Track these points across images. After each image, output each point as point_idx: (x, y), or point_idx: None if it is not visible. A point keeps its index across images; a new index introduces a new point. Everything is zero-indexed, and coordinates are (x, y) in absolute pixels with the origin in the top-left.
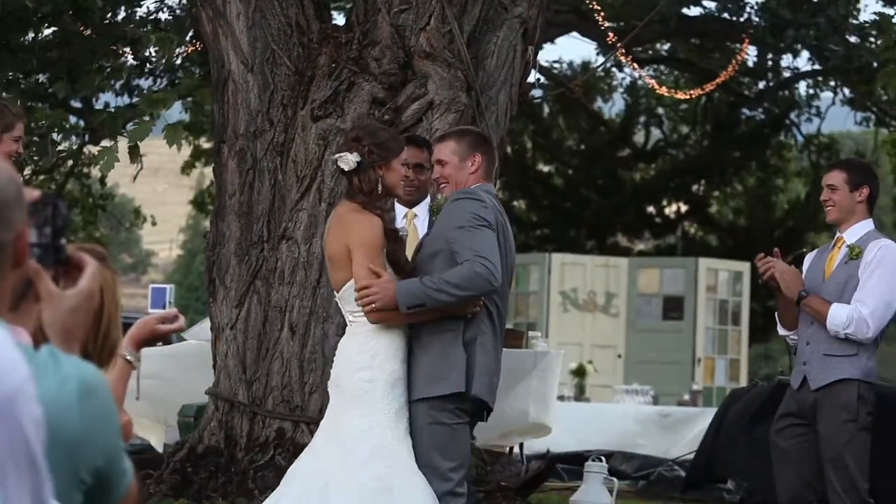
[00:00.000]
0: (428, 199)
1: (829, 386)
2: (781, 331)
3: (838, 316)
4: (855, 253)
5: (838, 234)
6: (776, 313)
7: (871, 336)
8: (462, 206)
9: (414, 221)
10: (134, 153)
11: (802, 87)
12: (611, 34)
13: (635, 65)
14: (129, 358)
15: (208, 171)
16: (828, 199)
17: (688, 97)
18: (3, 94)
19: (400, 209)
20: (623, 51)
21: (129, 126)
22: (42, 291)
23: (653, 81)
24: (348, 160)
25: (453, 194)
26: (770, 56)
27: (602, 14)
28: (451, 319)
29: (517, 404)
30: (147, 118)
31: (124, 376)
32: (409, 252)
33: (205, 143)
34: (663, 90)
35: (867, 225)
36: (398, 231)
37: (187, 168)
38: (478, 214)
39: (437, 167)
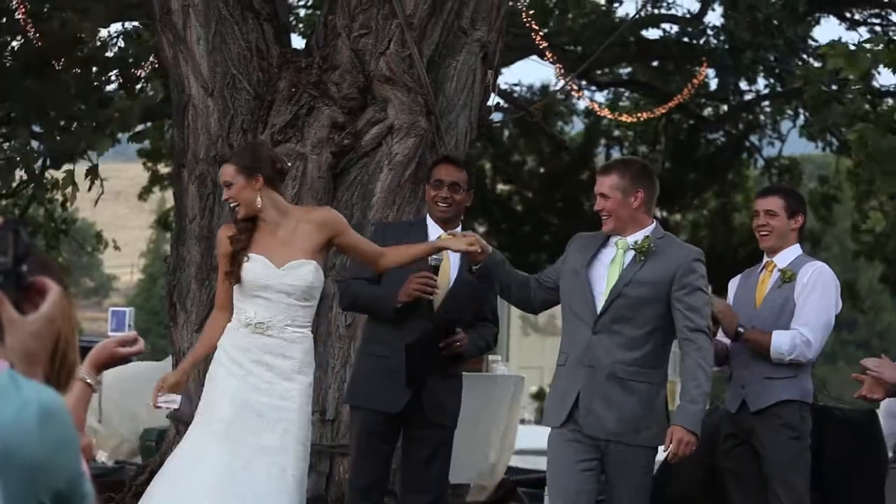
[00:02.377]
0: (459, 228)
1: (771, 408)
2: (715, 368)
3: (781, 344)
4: (787, 276)
5: (767, 259)
6: None
7: (812, 358)
8: (699, 268)
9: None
10: (92, 174)
11: (763, 109)
12: (561, 65)
13: (582, 91)
14: (88, 381)
15: (169, 194)
16: (765, 224)
17: (636, 119)
18: None
19: (434, 228)
20: (575, 78)
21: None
22: (3, 317)
23: (598, 107)
24: None
25: (687, 250)
26: (730, 79)
27: (546, 37)
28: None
29: (481, 441)
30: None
31: (84, 399)
32: (443, 281)
33: (163, 169)
34: (605, 112)
35: (797, 250)
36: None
37: (145, 194)
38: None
39: (600, 199)
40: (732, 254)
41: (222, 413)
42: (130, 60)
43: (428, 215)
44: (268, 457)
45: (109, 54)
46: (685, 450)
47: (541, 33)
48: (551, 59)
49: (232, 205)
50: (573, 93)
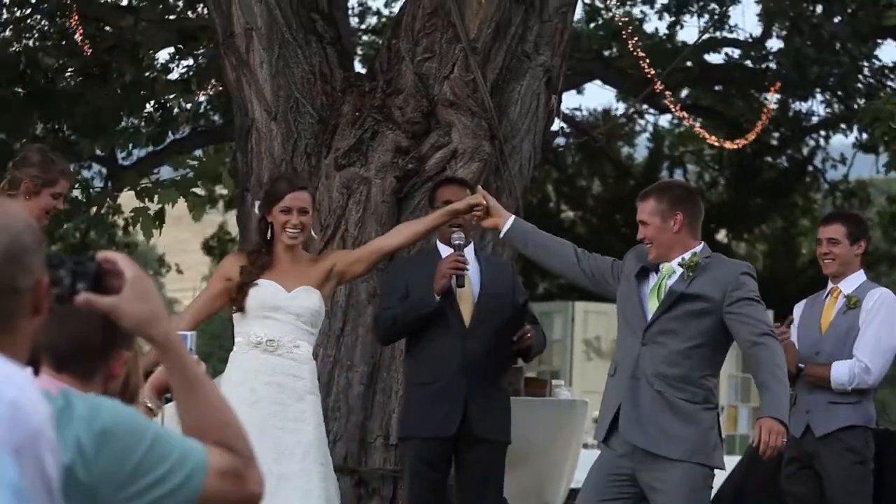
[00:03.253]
0: (472, 246)
1: (835, 432)
2: None
3: (841, 375)
4: (853, 302)
5: (832, 286)
6: None
7: (874, 383)
8: (750, 281)
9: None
10: (160, 219)
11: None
12: (656, 82)
13: (682, 113)
14: (150, 405)
15: (210, 218)
16: (828, 252)
17: (720, 145)
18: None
19: (444, 249)
20: (658, 93)
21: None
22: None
23: (696, 125)
24: None
25: (736, 265)
26: (793, 101)
27: (637, 56)
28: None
29: (555, 467)
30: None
31: None
32: (466, 294)
33: (220, 190)
34: (712, 139)
35: (861, 276)
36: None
37: (198, 215)
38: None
39: (641, 227)
40: (795, 280)
41: None
42: (192, 84)
43: (438, 241)
44: (290, 482)
45: (172, 76)
46: (776, 440)
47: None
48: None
49: (295, 232)
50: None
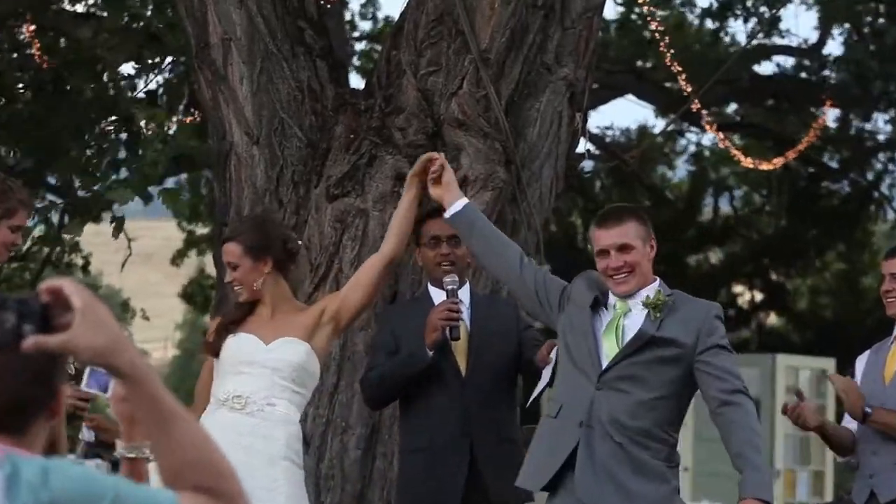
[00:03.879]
0: (468, 284)
1: None
2: (840, 458)
3: None
4: None
5: None
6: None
7: None
8: (721, 326)
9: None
10: (118, 226)
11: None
12: (690, 93)
13: (711, 127)
14: (130, 455)
15: (206, 259)
16: (891, 289)
17: (770, 167)
18: None
19: (439, 295)
20: (697, 110)
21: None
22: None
23: (732, 147)
24: None
25: (707, 305)
26: (853, 118)
27: (674, 67)
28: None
29: None
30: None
31: (140, 474)
32: (458, 345)
33: (200, 229)
34: (748, 161)
35: None
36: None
37: (179, 258)
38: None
39: (617, 255)
40: (859, 322)
41: None
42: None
43: (429, 285)
44: None
45: (138, 94)
46: None
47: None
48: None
49: (236, 288)
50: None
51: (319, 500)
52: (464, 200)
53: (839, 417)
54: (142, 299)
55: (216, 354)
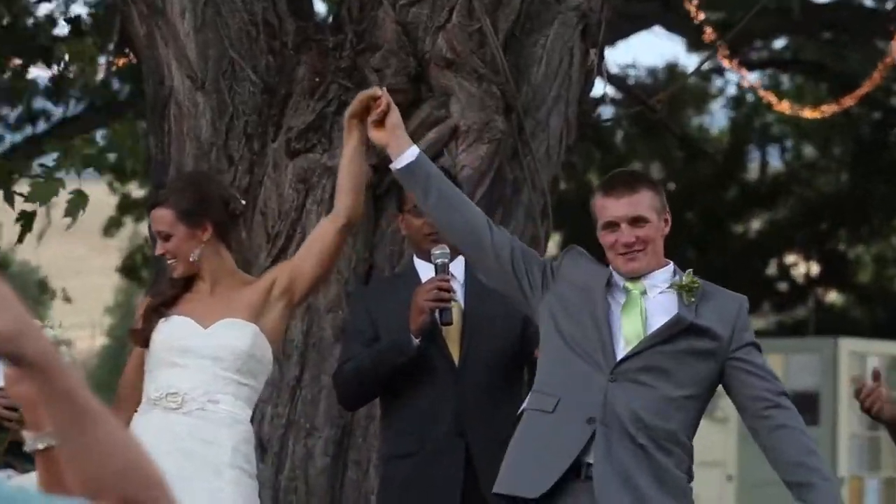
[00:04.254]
0: (461, 260)
1: None
2: None
3: None
4: None
5: None
6: None
7: None
8: (750, 321)
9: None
10: (28, 222)
11: None
12: (708, 29)
13: (743, 71)
14: (44, 446)
15: (143, 227)
16: None
17: (818, 114)
18: None
19: (426, 269)
20: (725, 51)
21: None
22: None
23: (767, 94)
24: None
25: (736, 297)
26: None
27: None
28: None
29: None
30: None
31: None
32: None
33: (136, 191)
34: (784, 106)
35: None
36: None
37: (112, 227)
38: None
39: (630, 229)
40: None
41: None
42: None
43: (414, 257)
44: None
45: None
46: None
47: None
48: (695, 19)
49: (169, 261)
50: (727, 63)
51: None
52: (415, 149)
53: None
54: (63, 278)
55: (146, 344)
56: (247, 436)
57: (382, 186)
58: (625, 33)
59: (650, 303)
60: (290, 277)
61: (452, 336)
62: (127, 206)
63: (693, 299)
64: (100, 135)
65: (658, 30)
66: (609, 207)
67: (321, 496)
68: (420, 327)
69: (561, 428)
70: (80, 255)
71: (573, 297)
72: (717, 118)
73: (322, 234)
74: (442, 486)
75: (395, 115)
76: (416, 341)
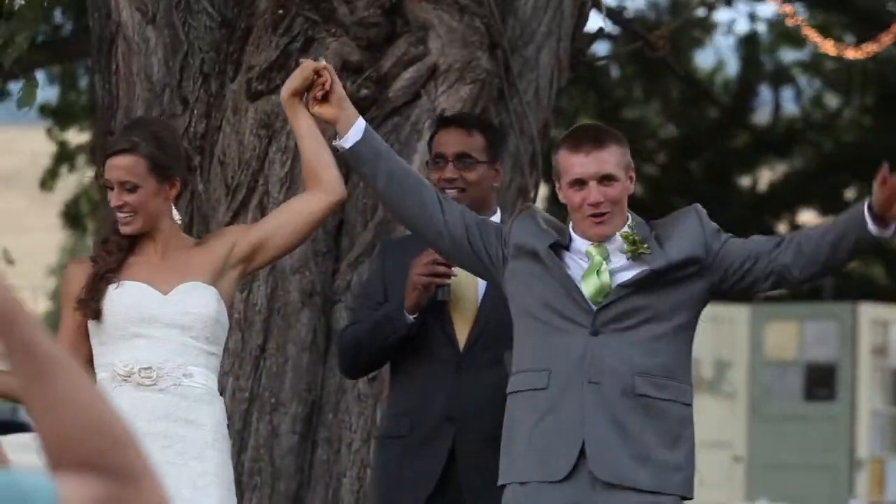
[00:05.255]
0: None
1: None
2: None
3: None
4: None
5: None
6: None
7: None
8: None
9: None
10: None
11: None
12: None
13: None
14: None
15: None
16: None
17: (861, 55)
18: None
19: None
20: None
21: None
22: None
23: (811, 31)
24: None
25: (688, 211)
26: None
27: None
28: None
29: None
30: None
31: None
32: (468, 299)
33: (75, 138)
34: (828, 45)
35: None
36: None
37: (50, 179)
38: None
39: (599, 188)
40: None
41: None
42: None
43: None
44: None
45: None
46: None
47: None
48: None
49: (125, 216)
50: (717, 4)
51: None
52: (361, 123)
53: None
54: (1, 236)
55: (98, 315)
56: (223, 412)
57: None
58: None
59: (613, 266)
60: (253, 246)
61: (464, 317)
62: (67, 156)
63: (646, 246)
64: (41, 76)
65: None
66: (575, 164)
67: (288, 478)
68: (414, 303)
69: (560, 402)
70: (19, 209)
71: (529, 267)
72: (724, 57)
73: (307, 209)
74: (421, 474)
75: (339, 88)
76: (411, 318)
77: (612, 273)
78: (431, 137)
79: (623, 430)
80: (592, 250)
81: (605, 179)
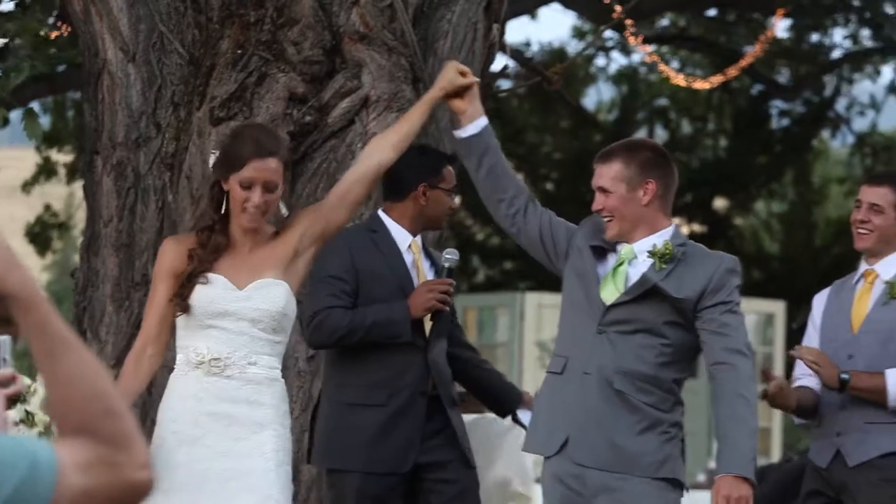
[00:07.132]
0: (419, 238)
1: (873, 460)
2: (799, 420)
3: None
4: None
5: (866, 268)
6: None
7: None
8: (735, 281)
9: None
10: None
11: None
12: (615, 6)
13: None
14: None
15: (52, 188)
16: (867, 220)
17: (707, 86)
18: None
19: (399, 232)
20: (627, 26)
21: None
22: None
23: (666, 68)
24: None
25: (720, 258)
26: (808, 30)
27: None
28: None
29: (497, 475)
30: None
31: None
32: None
33: (62, 157)
34: (680, 78)
35: None
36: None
37: (29, 185)
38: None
39: (599, 196)
40: (813, 261)
41: (180, 496)
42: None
43: (381, 211)
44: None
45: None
46: None
47: None
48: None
49: (258, 213)
50: (633, 41)
51: None
52: (483, 120)
53: (788, 368)
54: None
55: (187, 310)
56: (284, 393)
57: (299, 152)
58: (526, 9)
59: (634, 267)
60: (322, 228)
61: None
62: (48, 171)
63: (664, 266)
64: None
65: (557, 6)
66: (594, 175)
67: None
68: (420, 318)
69: (565, 387)
70: (17, 215)
71: (579, 261)
72: (609, 92)
73: (359, 181)
74: (405, 442)
75: (475, 87)
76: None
77: (629, 274)
78: (448, 162)
79: (597, 418)
80: (624, 250)
81: (601, 191)
